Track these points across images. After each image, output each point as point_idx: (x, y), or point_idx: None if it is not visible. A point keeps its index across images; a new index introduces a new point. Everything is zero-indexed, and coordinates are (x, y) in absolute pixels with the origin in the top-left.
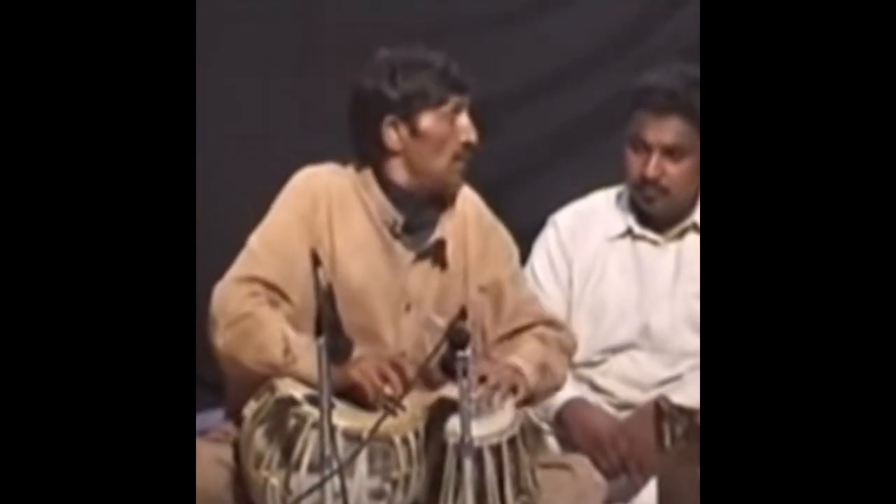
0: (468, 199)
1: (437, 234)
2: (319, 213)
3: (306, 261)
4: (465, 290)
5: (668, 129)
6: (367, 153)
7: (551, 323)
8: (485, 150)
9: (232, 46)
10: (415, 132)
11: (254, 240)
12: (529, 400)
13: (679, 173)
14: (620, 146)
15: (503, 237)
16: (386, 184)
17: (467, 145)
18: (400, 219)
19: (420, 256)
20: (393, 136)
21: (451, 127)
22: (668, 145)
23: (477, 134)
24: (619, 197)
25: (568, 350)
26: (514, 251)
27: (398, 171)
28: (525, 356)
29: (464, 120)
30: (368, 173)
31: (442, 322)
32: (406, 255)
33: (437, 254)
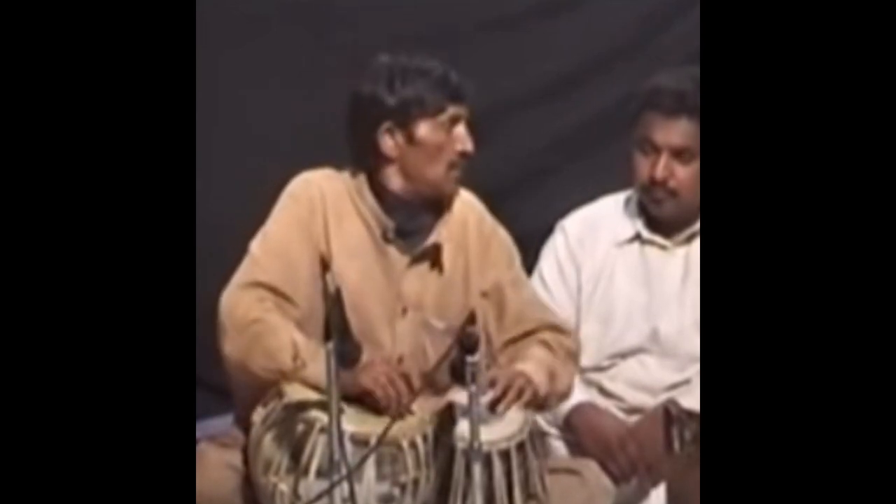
0: (469, 204)
1: (433, 238)
2: (316, 218)
3: (307, 265)
4: (465, 295)
5: (676, 131)
6: (362, 159)
7: (555, 328)
8: (492, 154)
9: (233, 52)
10: (411, 140)
11: (255, 246)
12: (539, 407)
13: (687, 176)
14: (628, 151)
15: (504, 242)
16: (380, 189)
17: (463, 154)
18: (391, 224)
19: (415, 260)
20: (389, 142)
21: (447, 136)
22: (676, 147)
23: (473, 143)
24: (627, 202)
25: (574, 356)
26: (516, 256)
27: (393, 178)
28: (535, 363)
29: (460, 129)
30: (363, 178)
31: (441, 325)
32: (400, 259)
33: (433, 258)
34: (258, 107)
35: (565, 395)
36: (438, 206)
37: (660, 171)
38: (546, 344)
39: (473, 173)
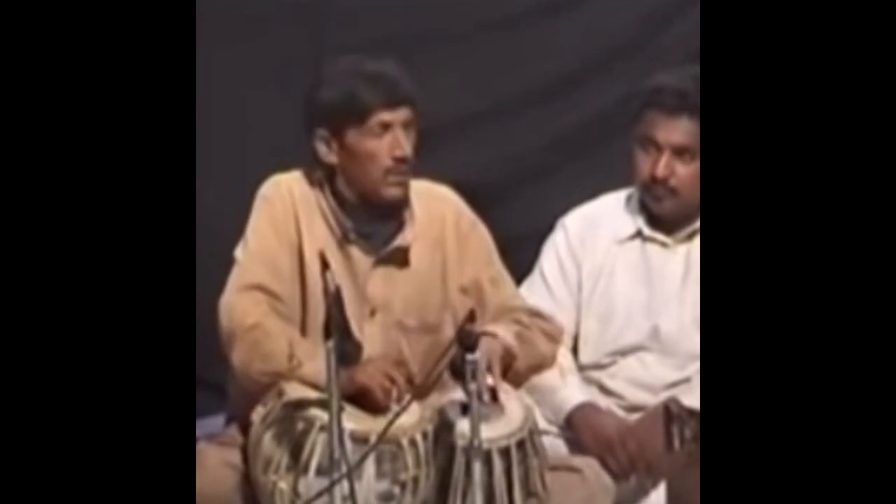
0: (446, 200)
1: (398, 241)
2: (289, 218)
3: (287, 264)
4: (444, 291)
5: (677, 130)
6: (316, 163)
7: (530, 312)
8: (493, 154)
9: (232, 53)
10: (343, 146)
11: (239, 251)
12: (514, 374)
13: (688, 174)
14: (629, 149)
15: (483, 237)
16: (336, 193)
17: (400, 160)
18: (350, 224)
19: (380, 262)
20: (323, 149)
21: (378, 142)
22: (677, 145)
23: (410, 146)
24: (628, 199)
25: (550, 334)
26: (495, 251)
27: (342, 184)
28: (502, 326)
29: (395, 135)
30: (323, 179)
31: (413, 323)
32: (364, 260)
33: (401, 259)
34: (258, 107)
35: (540, 365)
36: (386, 211)
37: (660, 170)
38: (518, 321)
39: (474, 173)
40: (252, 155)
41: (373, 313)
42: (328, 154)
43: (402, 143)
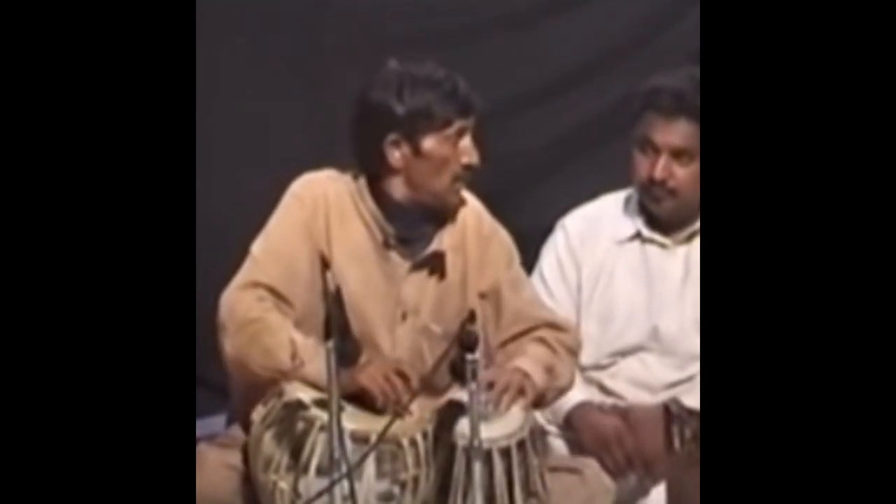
0: (468, 205)
1: (434, 246)
2: (318, 219)
3: (307, 266)
4: (463, 297)
5: (675, 131)
6: (366, 164)
7: (553, 325)
8: (493, 154)
9: (233, 53)
10: (417, 152)
11: (256, 246)
12: (538, 403)
13: (686, 176)
14: (628, 150)
15: (504, 242)
16: (382, 196)
17: (468, 167)
18: (392, 230)
19: (416, 266)
20: (395, 154)
21: (453, 149)
22: (676, 147)
23: (478, 154)
24: (627, 200)
25: (573, 351)
26: (516, 255)
27: (397, 187)
28: (531, 359)
29: (466, 142)
30: (363, 183)
31: (438, 329)
32: (402, 264)
33: (434, 264)
34: (258, 106)
35: (564, 390)
36: (440, 215)
37: (658, 172)
38: (543, 341)
39: (474, 173)
40: (252, 155)
41: (404, 317)
42: (398, 159)
43: (472, 150)
